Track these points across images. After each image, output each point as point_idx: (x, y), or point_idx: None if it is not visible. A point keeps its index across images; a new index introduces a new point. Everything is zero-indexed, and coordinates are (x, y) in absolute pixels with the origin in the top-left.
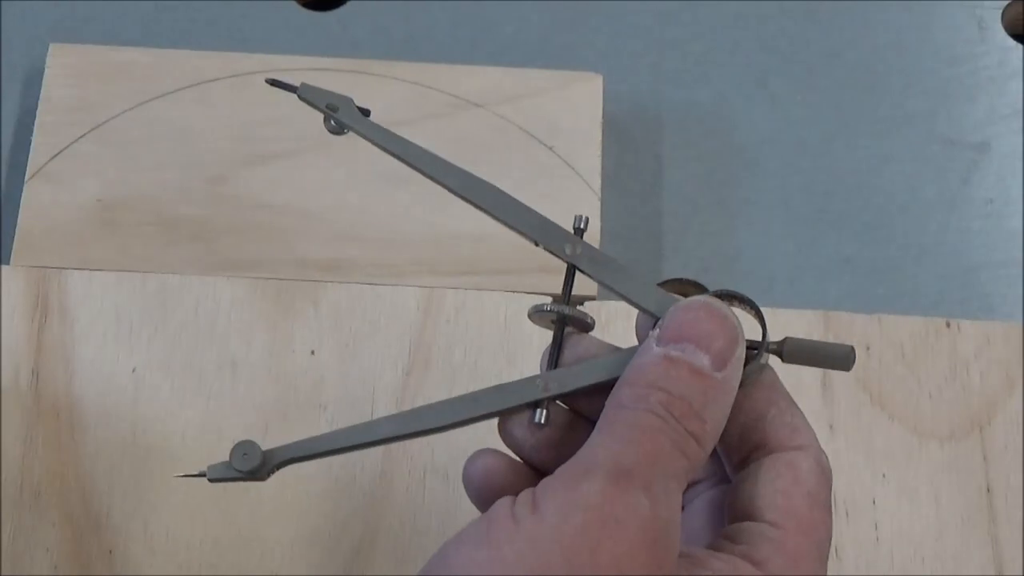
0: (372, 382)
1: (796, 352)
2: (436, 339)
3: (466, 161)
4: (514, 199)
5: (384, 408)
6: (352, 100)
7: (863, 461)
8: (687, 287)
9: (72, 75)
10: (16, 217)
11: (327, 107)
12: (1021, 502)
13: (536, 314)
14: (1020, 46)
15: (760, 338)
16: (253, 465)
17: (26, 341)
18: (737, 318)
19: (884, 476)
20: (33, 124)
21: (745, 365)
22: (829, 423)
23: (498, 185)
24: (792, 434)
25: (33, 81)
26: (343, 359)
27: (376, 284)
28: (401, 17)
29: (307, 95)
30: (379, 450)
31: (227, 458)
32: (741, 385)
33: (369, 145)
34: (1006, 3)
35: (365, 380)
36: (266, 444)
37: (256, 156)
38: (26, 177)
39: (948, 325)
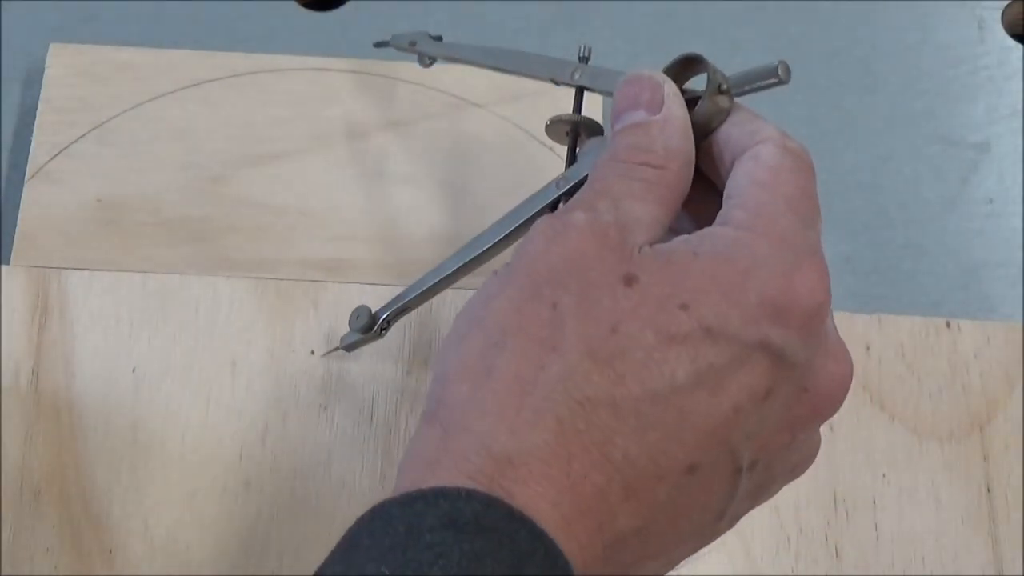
0: (372, 382)
1: (736, 83)
2: (436, 339)
3: (466, 161)
4: (534, 55)
5: (384, 408)
6: (425, 33)
7: (863, 461)
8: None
9: (72, 75)
10: (16, 217)
11: (409, 45)
12: (1021, 502)
13: (552, 125)
14: (1020, 46)
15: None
16: (363, 324)
17: (26, 341)
18: (657, 72)
19: (884, 476)
20: (33, 124)
21: (697, 107)
22: (829, 423)
23: (497, 185)
24: (752, 136)
25: (33, 81)
26: (343, 359)
27: (376, 284)
28: (401, 17)
29: (394, 43)
30: (377, 451)
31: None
32: (709, 128)
33: (368, 145)
34: (1006, 3)
35: (365, 380)
36: (267, 444)
37: (256, 156)
38: (26, 177)
39: (948, 325)
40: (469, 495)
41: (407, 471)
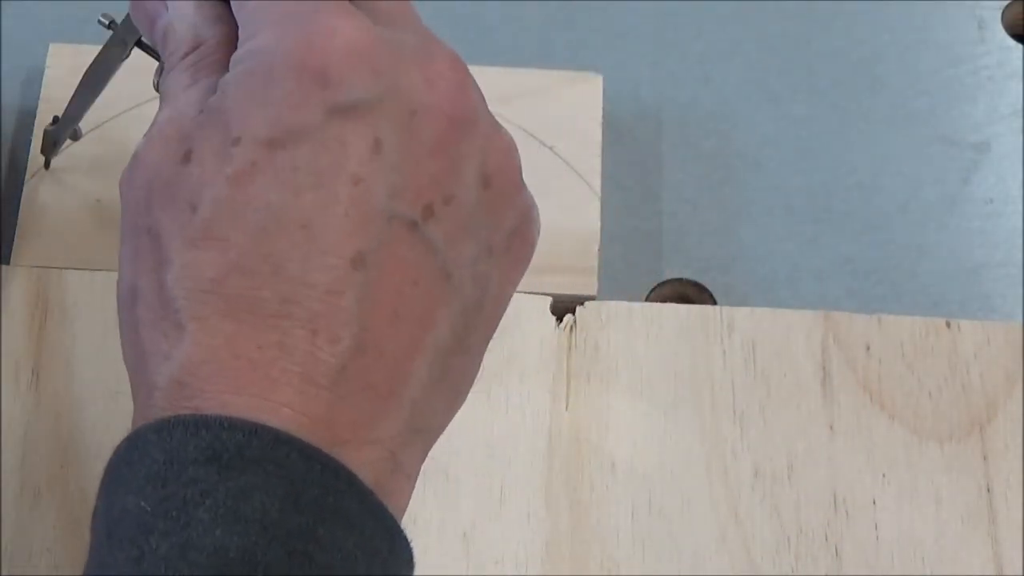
0: None
1: None
2: None
3: None
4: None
5: None
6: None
7: (863, 461)
8: (687, 287)
9: (72, 75)
10: (16, 217)
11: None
12: (1021, 502)
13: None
14: (1020, 46)
15: None
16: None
17: (26, 341)
18: None
19: (884, 476)
20: (33, 124)
21: None
22: (829, 423)
23: None
24: None
25: (33, 81)
26: None
27: None
28: None
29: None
30: None
31: None
32: None
33: None
34: (1006, 3)
35: None
36: None
37: None
38: (26, 177)
39: (948, 325)
40: (231, 424)
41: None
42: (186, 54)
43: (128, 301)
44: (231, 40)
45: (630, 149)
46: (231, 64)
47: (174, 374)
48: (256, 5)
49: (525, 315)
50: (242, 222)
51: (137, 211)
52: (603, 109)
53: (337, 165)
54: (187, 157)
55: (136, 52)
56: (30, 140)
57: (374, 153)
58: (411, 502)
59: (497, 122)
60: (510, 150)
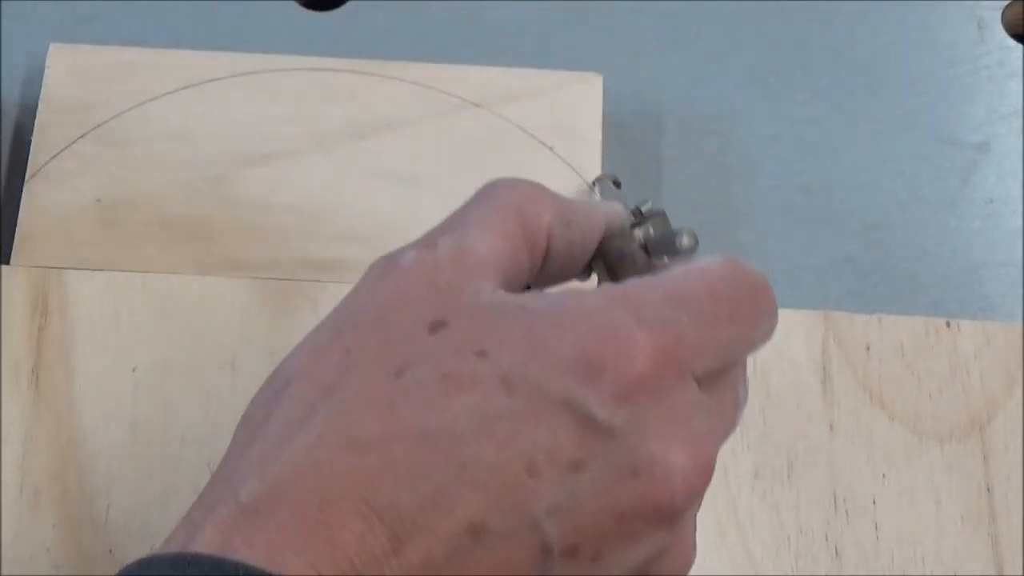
0: None
1: (654, 245)
2: None
3: (466, 161)
4: None
5: None
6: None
7: (863, 461)
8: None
9: (72, 75)
10: (16, 217)
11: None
12: (1021, 502)
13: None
14: (1020, 46)
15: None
16: None
17: (26, 341)
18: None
19: (884, 476)
20: (33, 124)
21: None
22: (829, 423)
23: None
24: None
25: (33, 81)
26: None
27: None
28: (401, 17)
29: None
30: None
31: None
32: (612, 255)
33: (368, 145)
34: (1006, 3)
35: None
36: None
37: (256, 156)
38: (26, 177)
39: (948, 325)
40: (248, 572)
41: (182, 523)
42: (504, 194)
43: (281, 381)
44: (543, 234)
45: (630, 149)
46: (566, 279)
47: (257, 494)
48: (639, 280)
49: None
50: (419, 419)
51: (354, 317)
52: (603, 109)
53: (529, 446)
54: (435, 327)
55: (133, 50)
56: (30, 140)
57: (567, 468)
58: None
59: (695, 527)
60: (687, 562)
